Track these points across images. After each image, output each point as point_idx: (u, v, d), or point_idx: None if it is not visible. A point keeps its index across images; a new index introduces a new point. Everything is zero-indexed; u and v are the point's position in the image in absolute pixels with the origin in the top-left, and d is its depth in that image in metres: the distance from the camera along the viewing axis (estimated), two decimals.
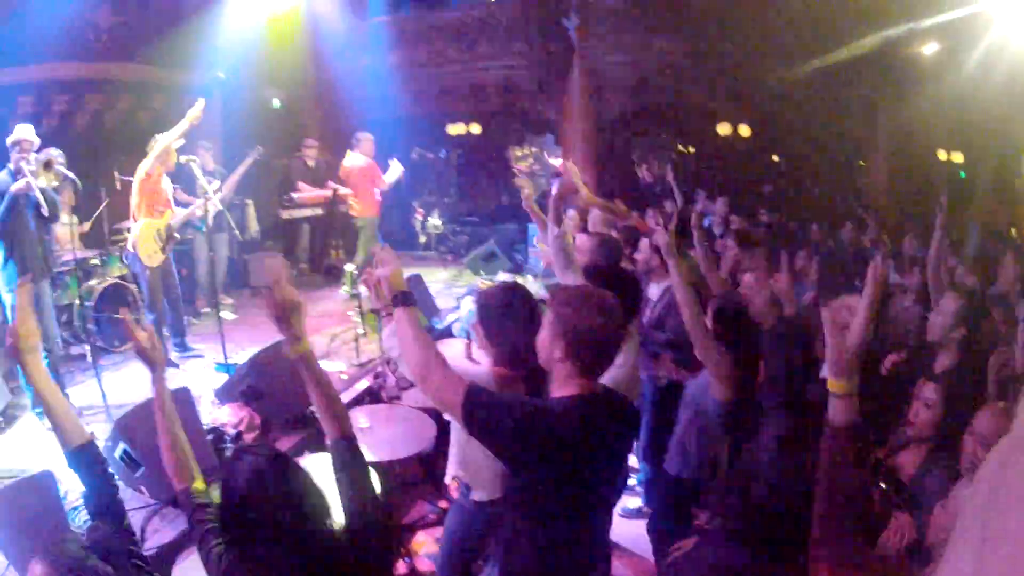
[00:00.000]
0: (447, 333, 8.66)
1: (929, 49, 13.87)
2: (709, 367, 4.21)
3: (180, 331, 8.61)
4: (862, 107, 14.66)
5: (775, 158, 18.25)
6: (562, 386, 2.93)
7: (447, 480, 4.52)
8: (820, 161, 16.58)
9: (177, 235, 8.56)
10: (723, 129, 16.57)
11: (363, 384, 7.40)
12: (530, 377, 3.47)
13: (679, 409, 4.86)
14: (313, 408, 2.81)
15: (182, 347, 8.56)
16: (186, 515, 2.83)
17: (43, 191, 6.49)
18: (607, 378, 3.65)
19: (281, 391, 6.21)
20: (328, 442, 2.78)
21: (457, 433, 3.90)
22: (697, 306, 4.27)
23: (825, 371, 2.45)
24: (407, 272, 3.55)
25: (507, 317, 3.61)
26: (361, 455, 2.77)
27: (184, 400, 5.30)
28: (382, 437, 5.26)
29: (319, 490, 2.57)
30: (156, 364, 3.08)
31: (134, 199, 8.07)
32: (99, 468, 2.93)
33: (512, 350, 3.55)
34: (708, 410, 4.33)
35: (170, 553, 4.45)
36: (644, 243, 6.20)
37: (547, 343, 2.92)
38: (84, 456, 2.89)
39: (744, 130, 16.51)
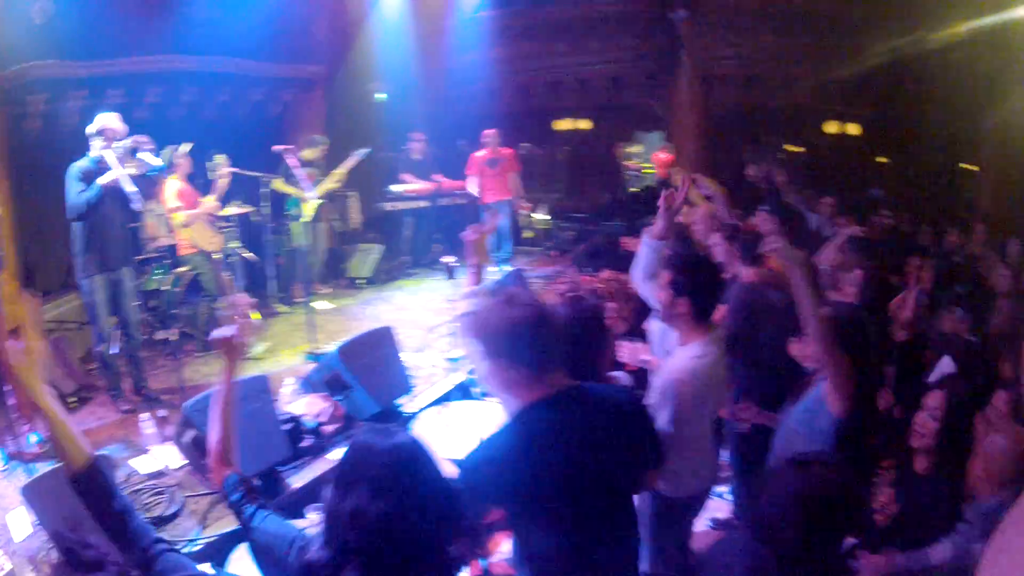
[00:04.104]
0: None
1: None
2: (828, 372, 3.87)
3: None
4: (968, 107, 13.99)
5: (883, 159, 17.58)
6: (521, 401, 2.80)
7: None
8: (927, 163, 15.89)
9: (224, 210, 8.75)
10: (831, 128, 16.07)
11: (457, 378, 7.24)
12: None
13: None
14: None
15: None
16: (233, 500, 2.77)
17: (133, 180, 6.50)
18: (688, 370, 3.65)
19: (367, 384, 6.08)
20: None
21: None
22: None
23: None
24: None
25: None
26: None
27: (260, 389, 5.23)
28: (471, 434, 5.14)
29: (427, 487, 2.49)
30: (236, 358, 3.10)
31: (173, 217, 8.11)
32: (107, 491, 2.68)
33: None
34: (823, 430, 3.92)
35: (230, 540, 4.37)
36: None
37: (491, 373, 2.79)
38: (90, 479, 2.65)
39: (853, 128, 15.95)
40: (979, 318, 6.70)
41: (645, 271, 4.52)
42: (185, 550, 4.27)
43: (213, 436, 2.95)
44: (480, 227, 4.08)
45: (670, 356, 4.00)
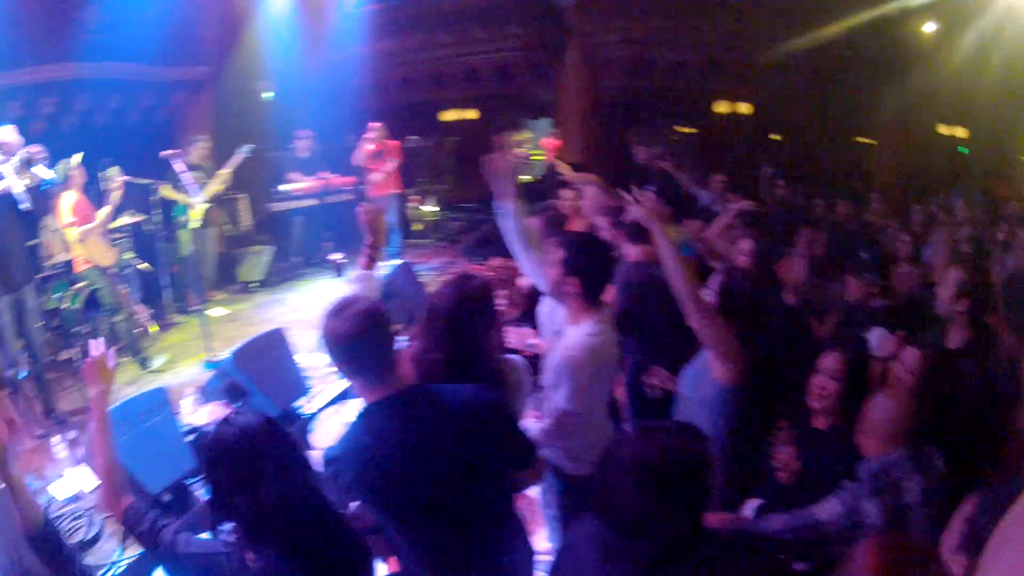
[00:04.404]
0: None
1: (928, 27, 13.89)
2: (709, 343, 4.01)
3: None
4: (863, 84, 14.52)
5: (776, 137, 18.02)
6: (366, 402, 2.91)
7: None
8: (821, 139, 16.38)
9: (117, 220, 8.68)
10: (721, 108, 16.44)
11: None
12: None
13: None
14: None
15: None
16: (137, 530, 2.79)
17: (27, 188, 6.47)
18: (582, 347, 3.72)
19: (264, 387, 6.14)
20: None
21: None
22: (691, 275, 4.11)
23: None
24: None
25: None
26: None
27: (160, 402, 5.28)
28: None
29: (303, 454, 2.64)
30: (104, 383, 3.17)
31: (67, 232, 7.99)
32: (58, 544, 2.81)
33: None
34: (709, 396, 4.09)
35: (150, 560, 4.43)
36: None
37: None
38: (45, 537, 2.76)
39: (744, 108, 16.36)
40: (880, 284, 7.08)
41: (519, 242, 4.51)
42: (109, 574, 4.36)
43: (100, 471, 2.96)
44: (371, 206, 4.07)
45: (560, 336, 4.04)
